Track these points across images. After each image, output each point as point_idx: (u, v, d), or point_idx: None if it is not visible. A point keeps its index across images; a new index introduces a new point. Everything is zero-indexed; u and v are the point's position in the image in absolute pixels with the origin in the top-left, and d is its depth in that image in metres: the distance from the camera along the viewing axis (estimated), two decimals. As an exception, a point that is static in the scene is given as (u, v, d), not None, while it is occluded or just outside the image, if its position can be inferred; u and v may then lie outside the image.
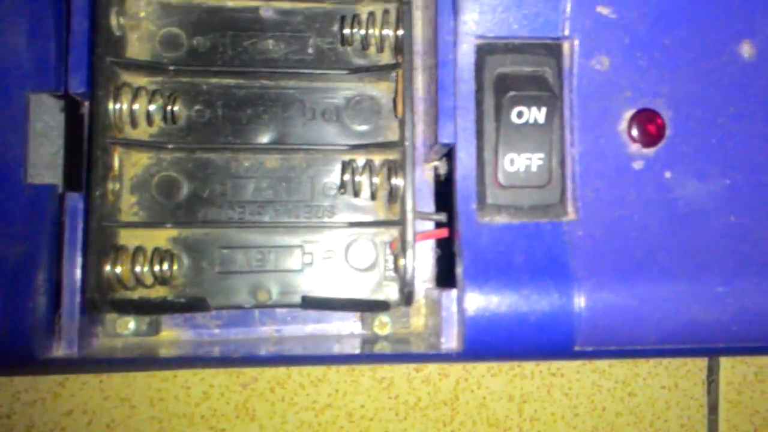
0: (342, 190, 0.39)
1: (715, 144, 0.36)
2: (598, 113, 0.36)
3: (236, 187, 0.38)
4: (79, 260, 0.34)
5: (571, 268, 0.34)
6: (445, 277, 0.37)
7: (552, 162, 0.35)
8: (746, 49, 0.36)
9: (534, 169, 0.35)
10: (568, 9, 0.35)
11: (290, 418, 0.45)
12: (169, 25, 0.38)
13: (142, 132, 0.37)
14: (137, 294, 0.36)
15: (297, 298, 0.38)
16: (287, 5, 0.39)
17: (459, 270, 0.35)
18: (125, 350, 0.35)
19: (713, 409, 0.48)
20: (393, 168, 0.37)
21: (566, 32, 0.35)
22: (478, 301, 0.34)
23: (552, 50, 0.36)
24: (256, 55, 0.38)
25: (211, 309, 0.37)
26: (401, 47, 0.36)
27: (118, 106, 0.35)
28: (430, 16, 0.37)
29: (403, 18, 0.36)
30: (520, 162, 0.35)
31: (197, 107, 0.38)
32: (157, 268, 0.36)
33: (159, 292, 0.37)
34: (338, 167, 0.39)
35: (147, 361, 0.36)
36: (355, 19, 0.38)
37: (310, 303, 0.38)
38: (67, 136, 0.34)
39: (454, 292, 0.35)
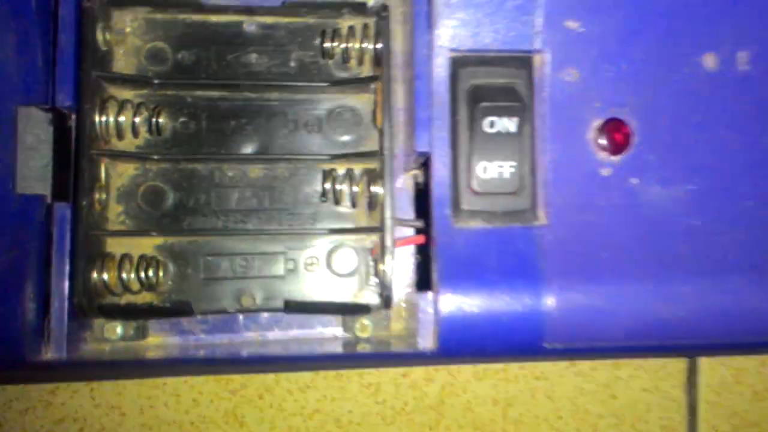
0: (324, 199, 0.39)
1: (679, 152, 0.36)
2: (568, 123, 0.36)
3: (220, 196, 0.39)
4: (67, 267, 0.34)
5: (541, 270, 0.35)
6: (425, 281, 0.38)
7: (523, 169, 0.36)
8: (709, 61, 0.37)
9: (506, 176, 0.36)
10: (539, 24, 0.36)
11: (279, 424, 0.45)
12: (154, 40, 0.38)
13: (128, 143, 0.38)
14: (124, 300, 0.37)
15: (280, 303, 0.38)
16: (270, 20, 0.39)
17: (434, 272, 0.35)
18: (113, 354, 0.36)
19: (693, 410, 0.48)
20: (373, 176, 0.37)
21: (537, 46, 0.36)
22: (452, 302, 0.35)
23: (523, 63, 0.36)
24: (239, 69, 0.39)
25: (196, 313, 0.38)
26: (380, 60, 0.37)
27: (104, 118, 0.36)
28: (408, 31, 0.38)
29: (382, 32, 0.37)
30: (492, 169, 0.36)
31: (182, 119, 0.38)
32: (143, 274, 0.37)
33: (145, 298, 0.37)
34: (320, 176, 0.39)
35: (134, 364, 0.36)
36: (336, 33, 0.38)
37: (293, 307, 0.38)
38: (55, 148, 0.34)
39: (430, 294, 0.36)
